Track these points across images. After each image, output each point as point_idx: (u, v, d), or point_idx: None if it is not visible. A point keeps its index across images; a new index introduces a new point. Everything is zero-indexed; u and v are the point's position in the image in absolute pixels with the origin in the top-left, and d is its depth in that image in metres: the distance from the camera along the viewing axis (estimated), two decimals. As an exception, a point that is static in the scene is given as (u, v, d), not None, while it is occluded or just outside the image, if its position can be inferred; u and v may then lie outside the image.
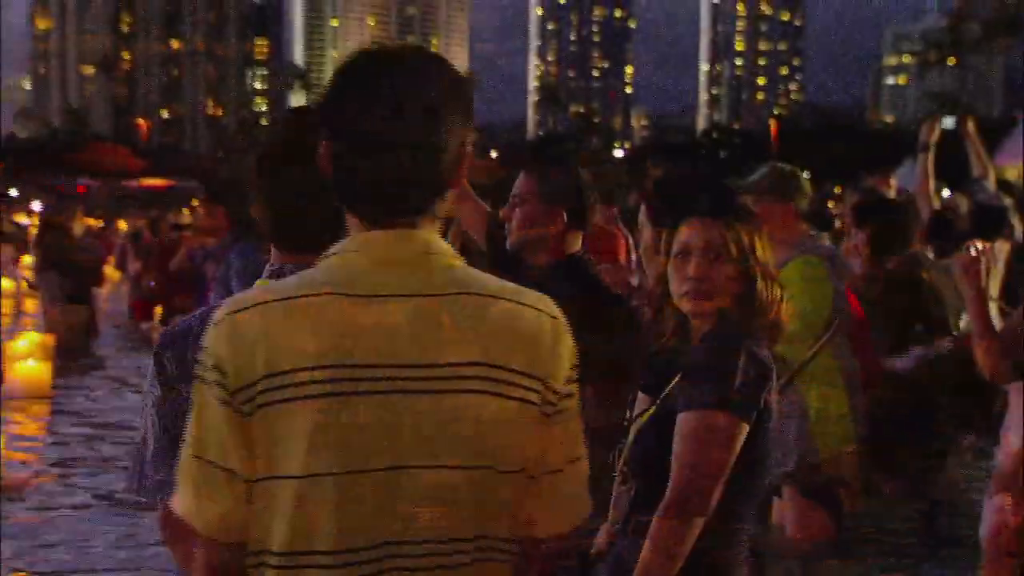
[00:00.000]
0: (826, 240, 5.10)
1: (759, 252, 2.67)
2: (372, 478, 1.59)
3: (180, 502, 1.68)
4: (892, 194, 8.34)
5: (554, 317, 1.67)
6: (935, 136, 7.07)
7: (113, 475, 7.26)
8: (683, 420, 2.48)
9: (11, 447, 7.12)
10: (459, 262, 1.68)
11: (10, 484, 6.71)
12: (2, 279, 16.20)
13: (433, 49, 1.90)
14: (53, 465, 7.50)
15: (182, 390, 1.94)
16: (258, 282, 2.07)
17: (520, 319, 1.64)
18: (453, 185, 1.69)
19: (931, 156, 7.01)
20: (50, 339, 11.78)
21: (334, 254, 1.68)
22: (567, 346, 1.68)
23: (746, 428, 2.46)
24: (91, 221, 23.20)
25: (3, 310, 14.77)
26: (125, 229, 25.86)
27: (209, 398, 1.62)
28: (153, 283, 12.45)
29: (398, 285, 1.62)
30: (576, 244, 3.29)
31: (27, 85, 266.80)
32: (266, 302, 1.63)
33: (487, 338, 1.61)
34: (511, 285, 1.69)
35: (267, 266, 2.14)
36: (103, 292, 14.54)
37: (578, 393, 1.71)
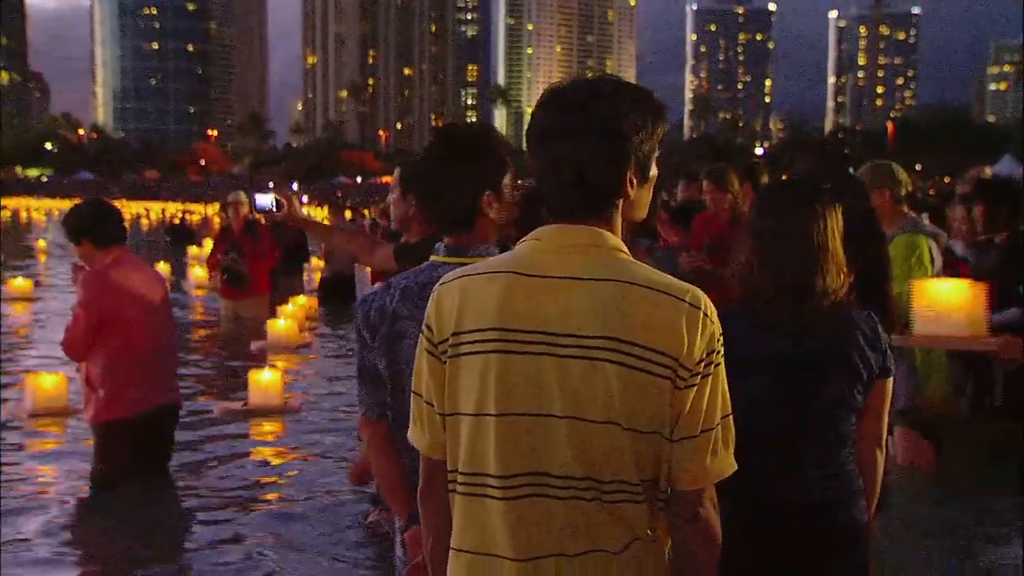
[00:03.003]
0: (926, 220, 4.81)
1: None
2: (523, 421, 1.60)
3: (410, 427, 1.78)
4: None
5: (695, 307, 1.58)
6: None
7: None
8: None
9: (285, 381, 7.51)
10: (623, 255, 1.64)
11: (291, 407, 7.16)
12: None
13: (608, 69, 1.88)
14: (311, 392, 7.89)
15: (365, 336, 2.21)
16: (433, 257, 2.23)
17: (658, 305, 1.57)
18: (623, 191, 1.64)
19: None
20: (314, 301, 12.09)
21: (525, 240, 1.69)
22: (705, 330, 1.59)
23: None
24: (348, 212, 23.76)
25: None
26: (349, 216, 26.18)
27: (423, 348, 1.71)
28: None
29: (561, 268, 1.61)
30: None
31: (299, 107, 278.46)
32: (463, 276, 1.68)
33: (624, 318, 1.57)
34: (663, 278, 1.62)
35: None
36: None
37: (718, 372, 1.62)
